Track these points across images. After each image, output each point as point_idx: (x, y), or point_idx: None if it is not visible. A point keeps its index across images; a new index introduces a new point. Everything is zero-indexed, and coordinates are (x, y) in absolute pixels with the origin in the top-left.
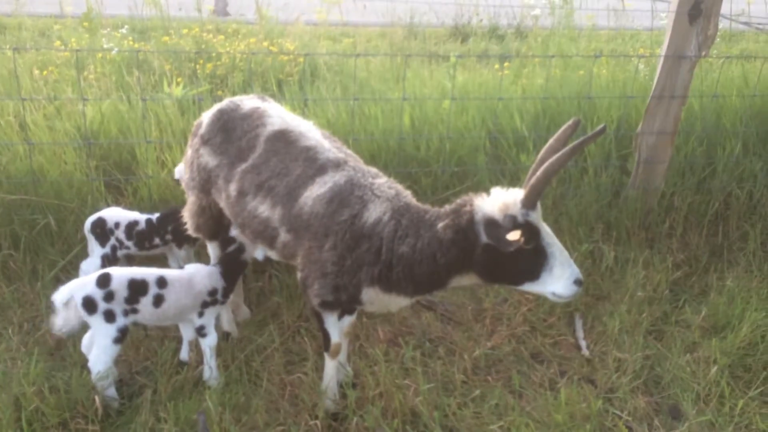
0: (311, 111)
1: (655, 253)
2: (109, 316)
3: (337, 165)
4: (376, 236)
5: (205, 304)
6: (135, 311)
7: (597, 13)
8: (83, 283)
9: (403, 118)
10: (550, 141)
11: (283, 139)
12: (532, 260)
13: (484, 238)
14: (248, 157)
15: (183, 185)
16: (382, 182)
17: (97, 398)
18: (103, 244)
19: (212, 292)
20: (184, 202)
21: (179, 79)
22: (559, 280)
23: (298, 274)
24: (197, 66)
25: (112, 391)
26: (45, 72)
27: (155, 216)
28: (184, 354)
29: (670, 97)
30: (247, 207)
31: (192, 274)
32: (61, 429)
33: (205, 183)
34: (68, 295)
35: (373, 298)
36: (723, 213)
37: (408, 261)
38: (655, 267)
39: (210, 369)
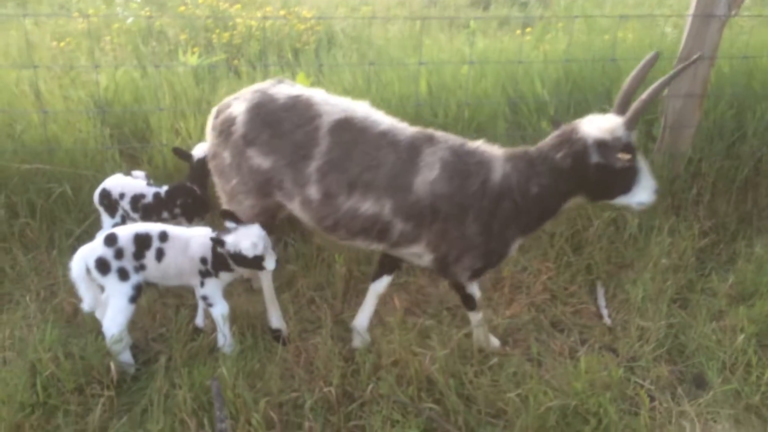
0: (327, 78)
1: (681, 220)
2: (123, 274)
3: (429, 140)
4: (508, 189)
5: (202, 273)
6: (143, 267)
7: None
8: (92, 248)
9: (419, 83)
10: (634, 72)
11: (351, 127)
12: (629, 175)
13: (595, 159)
14: (312, 152)
15: (220, 188)
16: (479, 143)
17: (112, 364)
18: (112, 214)
19: (203, 260)
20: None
21: (195, 49)
22: (644, 191)
23: (429, 258)
24: (213, 35)
25: (127, 356)
26: (62, 43)
27: (164, 189)
28: (200, 320)
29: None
30: (343, 208)
31: (191, 237)
32: (77, 394)
33: (263, 186)
34: (82, 264)
35: (515, 246)
36: (753, 179)
37: (540, 198)
38: (681, 234)
39: (224, 336)
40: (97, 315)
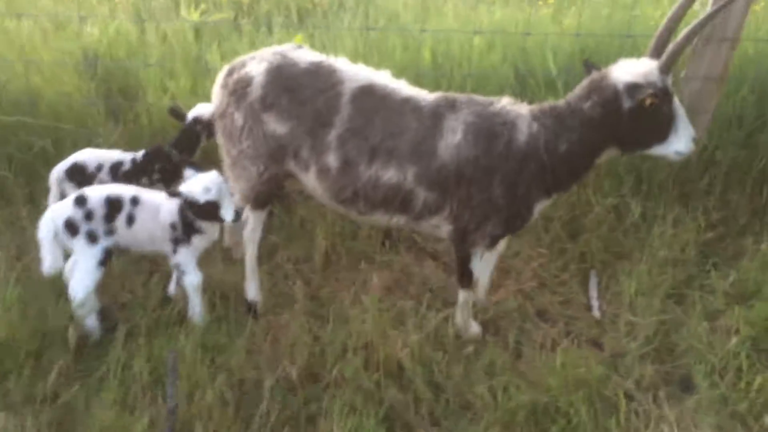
0: (330, 43)
1: (690, 210)
2: (92, 237)
3: (451, 105)
4: (534, 150)
5: (175, 241)
6: (113, 231)
7: None
8: (61, 208)
9: (422, 52)
10: (671, 12)
11: (374, 94)
12: (665, 122)
13: (628, 104)
14: (333, 120)
15: (225, 150)
16: (504, 102)
17: (71, 329)
18: None
19: (173, 226)
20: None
21: (204, 6)
22: (681, 139)
23: (447, 228)
24: None
25: (92, 321)
26: None
27: (140, 154)
28: (172, 288)
29: (720, 40)
30: (363, 177)
31: (161, 202)
32: (33, 359)
33: (276, 152)
34: (51, 225)
35: (539, 208)
36: None
37: (570, 155)
38: (685, 226)
39: (193, 307)
40: (67, 276)
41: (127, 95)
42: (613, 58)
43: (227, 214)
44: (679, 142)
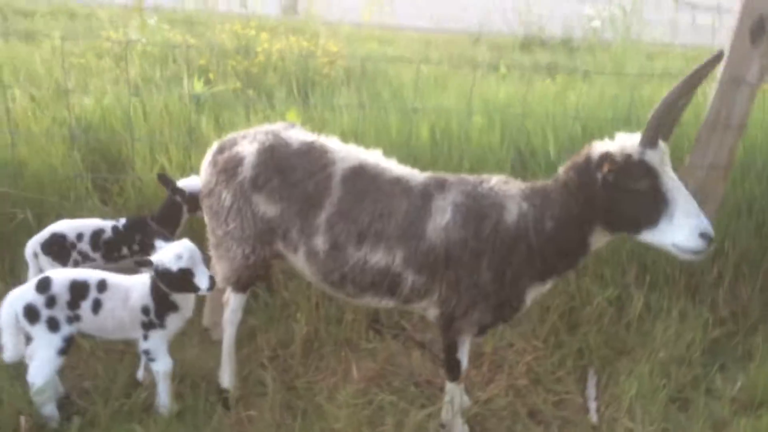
0: (330, 117)
1: (697, 304)
2: (53, 324)
3: (440, 186)
4: (524, 231)
5: (145, 325)
6: (78, 318)
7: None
8: (22, 292)
9: (420, 129)
10: (670, 90)
11: (365, 175)
12: (649, 204)
13: (599, 174)
14: (323, 202)
15: (210, 229)
16: (496, 181)
17: (22, 419)
18: (64, 262)
19: (144, 310)
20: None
21: (211, 75)
22: (680, 230)
23: (435, 313)
24: (233, 62)
25: (51, 409)
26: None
27: (121, 222)
28: (140, 373)
29: (724, 127)
30: (351, 260)
31: (131, 286)
32: None
33: (265, 234)
34: (11, 311)
35: (534, 294)
36: None
37: (556, 234)
38: (691, 321)
39: (161, 395)
40: (27, 361)
41: (114, 168)
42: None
43: (202, 281)
44: (677, 233)
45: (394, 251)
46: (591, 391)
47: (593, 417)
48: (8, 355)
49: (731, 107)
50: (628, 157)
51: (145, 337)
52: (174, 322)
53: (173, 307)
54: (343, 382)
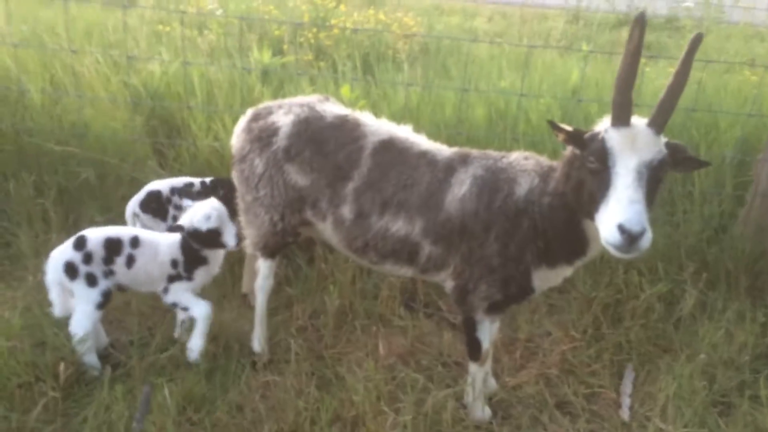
0: (390, 92)
1: (759, 306)
2: (91, 280)
3: (463, 160)
4: (530, 206)
5: (171, 278)
6: (112, 273)
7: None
8: (62, 250)
9: (473, 109)
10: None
11: (393, 148)
12: (596, 187)
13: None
14: (352, 173)
15: (240, 195)
16: (516, 156)
17: (62, 365)
18: (164, 217)
19: (173, 263)
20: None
21: (285, 46)
22: (606, 220)
23: (450, 285)
24: (309, 34)
25: (92, 358)
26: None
27: (207, 179)
28: (177, 331)
29: None
30: (374, 228)
31: (162, 241)
32: (24, 390)
33: (295, 202)
34: (54, 268)
35: (543, 279)
36: None
37: (551, 212)
38: (746, 324)
39: (193, 338)
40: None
41: (172, 134)
42: (678, 131)
43: (229, 239)
44: (603, 224)
45: (414, 221)
46: (626, 386)
47: (625, 413)
48: (57, 310)
49: None
50: (594, 135)
51: (166, 290)
52: (201, 275)
53: (203, 261)
54: (371, 356)
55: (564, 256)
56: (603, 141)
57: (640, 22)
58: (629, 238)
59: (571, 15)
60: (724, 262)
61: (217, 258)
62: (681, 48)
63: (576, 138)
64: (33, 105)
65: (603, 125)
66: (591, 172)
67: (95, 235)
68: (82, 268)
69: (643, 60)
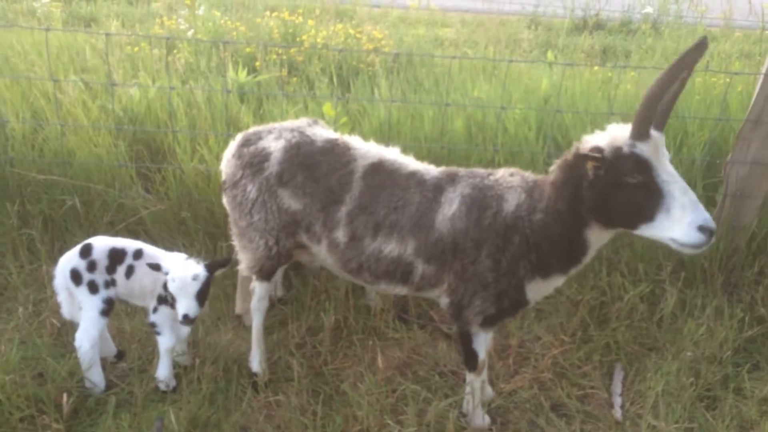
0: (368, 107)
1: (734, 302)
2: (93, 287)
3: (451, 179)
4: (520, 222)
5: (160, 299)
6: (114, 283)
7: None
8: (69, 257)
9: (452, 122)
10: (660, 75)
11: (383, 170)
12: (643, 198)
13: (590, 173)
14: (344, 197)
15: (233, 220)
16: (503, 173)
17: (65, 396)
18: None
19: (165, 285)
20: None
21: (258, 63)
22: (678, 224)
23: (445, 301)
24: (280, 50)
25: (97, 374)
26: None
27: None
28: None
29: None
30: (367, 250)
31: (162, 260)
32: (26, 424)
33: (289, 226)
34: (61, 273)
35: (536, 290)
36: None
37: (544, 227)
38: (725, 320)
39: (161, 369)
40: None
41: (157, 158)
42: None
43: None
44: (675, 228)
45: (406, 241)
46: (617, 386)
47: (617, 413)
48: (65, 312)
49: None
50: (618, 150)
51: (155, 310)
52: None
53: None
54: (369, 370)
55: (560, 266)
56: (638, 155)
57: (701, 47)
58: (710, 234)
59: (529, 20)
60: (699, 261)
61: None
62: (641, 53)
63: (603, 159)
64: (14, 135)
65: (615, 139)
66: (632, 187)
67: (101, 244)
68: (86, 276)
69: (608, 65)
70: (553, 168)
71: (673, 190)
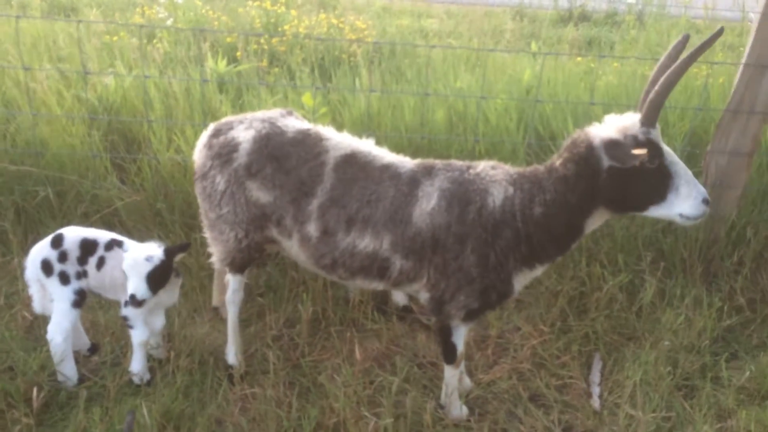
0: (349, 98)
1: (713, 292)
2: (64, 278)
3: (428, 172)
4: (510, 216)
5: None
6: (85, 274)
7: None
8: (41, 247)
9: (433, 113)
10: (662, 59)
11: (355, 162)
12: (657, 181)
13: (606, 162)
14: (316, 189)
15: (203, 211)
16: (483, 166)
17: (35, 390)
18: None
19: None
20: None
21: (238, 54)
22: (686, 200)
23: (425, 296)
24: (261, 40)
25: (69, 367)
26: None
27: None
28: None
29: (748, 113)
30: (341, 245)
31: (129, 250)
32: None
33: (258, 220)
34: (33, 264)
35: (521, 281)
36: None
37: (545, 220)
38: (704, 309)
39: (134, 363)
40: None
41: (132, 148)
42: None
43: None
44: (684, 204)
45: (381, 236)
46: (595, 376)
47: (596, 402)
48: (36, 307)
49: (756, 93)
50: (634, 139)
51: (126, 303)
52: (154, 300)
53: (165, 282)
54: (346, 361)
55: (550, 255)
56: (653, 141)
57: (716, 36)
58: (708, 204)
59: (515, 12)
60: (679, 251)
61: (170, 291)
62: (625, 44)
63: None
64: None
65: (627, 129)
66: (650, 172)
67: (73, 234)
68: (57, 266)
69: (589, 56)
70: (554, 163)
71: (678, 169)
